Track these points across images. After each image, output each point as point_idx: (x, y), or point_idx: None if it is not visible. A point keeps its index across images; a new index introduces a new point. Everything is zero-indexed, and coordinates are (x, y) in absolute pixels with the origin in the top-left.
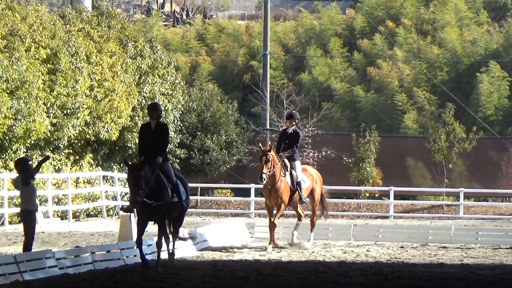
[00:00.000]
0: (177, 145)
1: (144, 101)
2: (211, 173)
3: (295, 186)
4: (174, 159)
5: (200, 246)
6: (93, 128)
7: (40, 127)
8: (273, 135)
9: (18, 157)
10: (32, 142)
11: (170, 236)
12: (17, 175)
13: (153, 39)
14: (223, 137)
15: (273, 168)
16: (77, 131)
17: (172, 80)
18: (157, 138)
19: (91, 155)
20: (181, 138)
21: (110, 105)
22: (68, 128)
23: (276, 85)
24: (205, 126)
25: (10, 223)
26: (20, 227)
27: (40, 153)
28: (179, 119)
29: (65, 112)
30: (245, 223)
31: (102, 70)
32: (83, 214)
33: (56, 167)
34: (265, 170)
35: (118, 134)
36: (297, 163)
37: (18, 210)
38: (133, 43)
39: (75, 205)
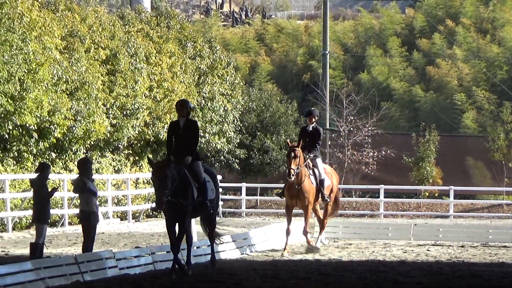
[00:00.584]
0: (236, 145)
1: (203, 101)
2: (270, 173)
3: (318, 184)
4: (234, 159)
5: (260, 247)
6: (153, 129)
7: (100, 128)
8: (333, 135)
9: (79, 158)
10: (92, 143)
11: (208, 240)
12: (78, 175)
13: (212, 39)
14: (283, 137)
15: (300, 165)
16: (137, 132)
17: (231, 80)
18: (187, 136)
19: (151, 156)
20: (241, 138)
21: (170, 106)
22: (128, 129)
23: (336, 84)
24: (265, 126)
25: (70, 224)
26: (80, 228)
27: (99, 154)
28: (238, 119)
29: (124, 112)
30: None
31: (161, 71)
32: (143, 215)
33: (116, 168)
34: (293, 166)
35: None
36: (319, 161)
37: (78, 211)
38: (192, 44)
39: (135, 206)
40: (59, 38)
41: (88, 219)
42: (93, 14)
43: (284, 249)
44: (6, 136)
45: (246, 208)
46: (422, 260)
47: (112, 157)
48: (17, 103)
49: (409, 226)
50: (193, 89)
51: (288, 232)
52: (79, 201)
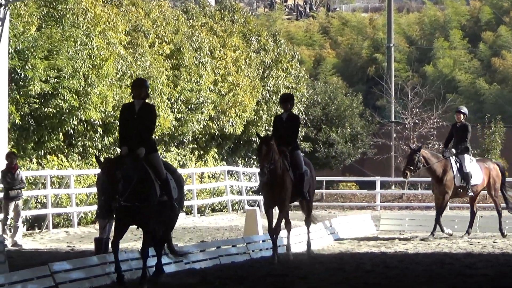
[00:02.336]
0: (302, 138)
1: (268, 95)
2: (336, 166)
3: (298, 179)
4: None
5: (326, 240)
6: (218, 123)
7: (165, 122)
8: (398, 127)
9: None
10: (157, 137)
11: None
12: None
13: (276, 33)
14: (348, 130)
15: (274, 160)
16: (202, 126)
17: (296, 74)
18: (142, 123)
19: (216, 150)
20: (306, 131)
21: (234, 100)
22: (193, 123)
23: (401, 77)
24: (330, 119)
25: None
26: None
27: (165, 148)
28: (303, 113)
29: (189, 107)
30: (371, 215)
31: (225, 65)
32: (208, 209)
33: (181, 162)
34: (265, 162)
35: (243, 129)
36: (299, 153)
37: None
38: (257, 37)
39: (200, 200)
40: (123, 33)
41: None
42: (157, 8)
43: (273, 256)
44: (71, 131)
45: None
46: (489, 252)
47: (177, 152)
48: (82, 98)
49: (475, 218)
50: (258, 83)
51: (277, 233)
52: None
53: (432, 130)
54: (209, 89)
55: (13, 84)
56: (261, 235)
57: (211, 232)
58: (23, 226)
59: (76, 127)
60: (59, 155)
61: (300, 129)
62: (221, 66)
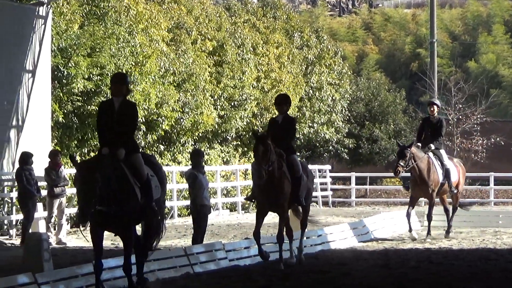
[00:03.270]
0: (345, 135)
1: (311, 91)
2: (380, 162)
3: (296, 183)
4: (342, 149)
5: (368, 236)
6: (261, 119)
7: (208, 119)
8: None
9: (191, 149)
10: (200, 134)
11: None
12: (190, 168)
13: (319, 29)
14: (391, 126)
15: (272, 161)
16: (245, 123)
17: (339, 70)
18: (122, 122)
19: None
20: (349, 127)
21: None
22: (236, 120)
23: (444, 73)
24: (373, 116)
25: (179, 216)
26: (189, 220)
27: (208, 145)
28: (346, 109)
29: (232, 104)
30: (415, 211)
31: (268, 61)
32: (252, 206)
33: (225, 159)
34: (263, 163)
35: None
36: (295, 157)
37: (187, 203)
38: (299, 34)
39: (244, 197)
40: (166, 30)
41: (199, 211)
42: (199, 5)
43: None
44: None
45: (355, 197)
46: None
47: (220, 149)
48: None
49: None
50: (301, 79)
51: (257, 237)
52: (188, 193)
53: (475, 125)
54: (252, 86)
55: (56, 82)
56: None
57: None
58: (67, 224)
59: None
60: None
61: (343, 125)
62: (264, 62)
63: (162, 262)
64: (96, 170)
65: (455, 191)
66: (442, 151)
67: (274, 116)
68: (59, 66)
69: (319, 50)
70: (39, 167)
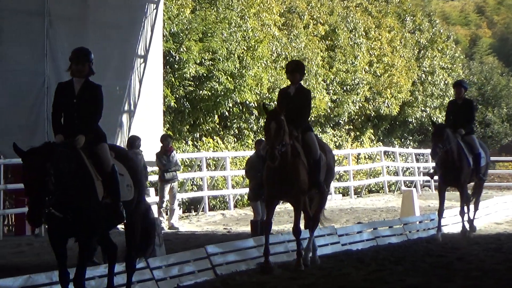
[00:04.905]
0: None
1: (423, 75)
2: (492, 146)
3: (313, 166)
4: None
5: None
6: (373, 104)
7: (320, 103)
8: None
9: None
10: (312, 119)
11: None
12: None
13: (431, 13)
14: (504, 109)
15: (286, 141)
16: (357, 107)
17: (451, 54)
18: (84, 107)
19: (372, 131)
20: None
21: (390, 80)
22: (348, 104)
23: None
24: (486, 99)
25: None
26: None
27: (320, 130)
28: None
29: (344, 88)
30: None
31: (380, 46)
32: (365, 190)
33: (337, 144)
34: (276, 143)
35: (399, 109)
36: (312, 135)
37: None
38: (412, 18)
39: (356, 181)
40: (278, 14)
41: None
42: None
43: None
44: (227, 113)
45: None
46: None
47: (333, 133)
48: (237, 80)
49: None
50: (413, 63)
51: (267, 229)
52: None
53: None
54: (364, 70)
55: (168, 67)
56: (418, 216)
57: (368, 213)
58: (179, 208)
59: (231, 109)
60: (214, 137)
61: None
62: (376, 47)
63: (274, 246)
64: (47, 160)
65: (484, 178)
66: (474, 137)
67: (285, 87)
68: (171, 51)
69: (431, 34)
70: (150, 152)
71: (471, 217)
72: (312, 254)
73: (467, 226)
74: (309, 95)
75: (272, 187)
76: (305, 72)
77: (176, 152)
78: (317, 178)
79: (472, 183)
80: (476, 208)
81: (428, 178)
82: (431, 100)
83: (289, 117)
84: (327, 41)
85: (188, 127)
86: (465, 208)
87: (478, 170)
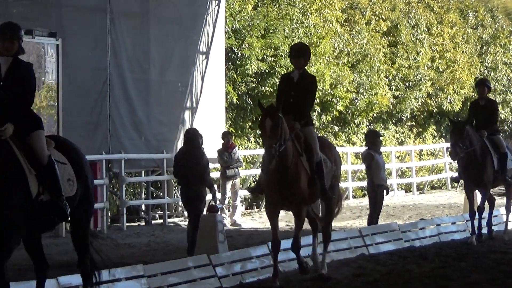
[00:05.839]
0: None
1: (486, 71)
2: None
3: (314, 169)
4: None
5: None
6: (436, 100)
7: (382, 100)
8: None
9: (367, 130)
10: (375, 115)
11: None
12: (366, 149)
13: (494, 9)
14: None
15: (285, 139)
16: (420, 103)
17: None
18: (13, 90)
19: (434, 127)
20: None
21: (452, 76)
22: (411, 100)
23: None
24: None
25: (354, 197)
26: (363, 201)
27: (382, 126)
28: None
29: (407, 84)
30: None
31: (443, 41)
32: (427, 186)
33: (399, 140)
34: (272, 141)
35: (461, 105)
36: (312, 130)
37: (361, 184)
38: (474, 13)
39: (419, 178)
40: (340, 10)
41: (375, 192)
42: None
43: (273, 277)
44: None
45: None
46: None
47: (395, 129)
48: None
49: None
50: (476, 59)
51: (276, 248)
52: (365, 174)
53: None
54: (426, 66)
55: (230, 63)
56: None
57: (430, 210)
58: (242, 205)
59: None
60: None
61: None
62: (438, 42)
63: (337, 243)
64: None
65: (510, 180)
66: (500, 137)
67: (287, 72)
68: (233, 47)
69: (493, 29)
70: (212, 148)
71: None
72: (321, 270)
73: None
74: (314, 82)
75: (270, 193)
76: (311, 56)
77: (238, 149)
78: (322, 185)
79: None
80: (508, 211)
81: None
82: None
83: (291, 107)
84: (389, 37)
85: (250, 123)
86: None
87: (505, 172)
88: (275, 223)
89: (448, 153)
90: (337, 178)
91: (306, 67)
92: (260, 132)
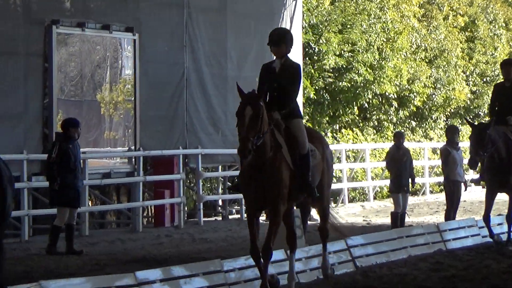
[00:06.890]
0: None
1: None
2: None
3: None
4: None
5: None
6: None
7: (460, 95)
8: None
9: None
10: (452, 110)
11: None
12: (444, 144)
13: None
14: None
15: (263, 131)
16: None
17: None
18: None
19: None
20: None
21: None
22: (488, 96)
23: None
24: None
25: (431, 192)
26: (441, 196)
27: (460, 122)
28: None
29: (484, 79)
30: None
31: None
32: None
33: None
34: (250, 134)
35: None
36: (300, 122)
37: (438, 179)
38: None
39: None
40: (417, 5)
41: (452, 187)
42: None
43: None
44: (366, 105)
45: None
46: None
47: None
48: (376, 72)
49: None
50: None
51: (267, 256)
52: (441, 169)
53: None
54: None
55: (307, 58)
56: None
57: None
58: None
59: (370, 101)
60: (354, 128)
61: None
62: None
63: (414, 238)
64: None
65: None
66: None
67: (269, 62)
68: (310, 42)
69: None
70: None
71: None
72: (328, 271)
73: None
74: (298, 71)
75: (248, 193)
76: (293, 43)
77: None
78: (305, 179)
79: None
80: None
81: None
82: None
83: (273, 99)
84: (466, 32)
85: (327, 118)
86: None
87: None
88: (253, 228)
89: (467, 162)
90: (326, 176)
91: (289, 55)
92: (237, 121)
